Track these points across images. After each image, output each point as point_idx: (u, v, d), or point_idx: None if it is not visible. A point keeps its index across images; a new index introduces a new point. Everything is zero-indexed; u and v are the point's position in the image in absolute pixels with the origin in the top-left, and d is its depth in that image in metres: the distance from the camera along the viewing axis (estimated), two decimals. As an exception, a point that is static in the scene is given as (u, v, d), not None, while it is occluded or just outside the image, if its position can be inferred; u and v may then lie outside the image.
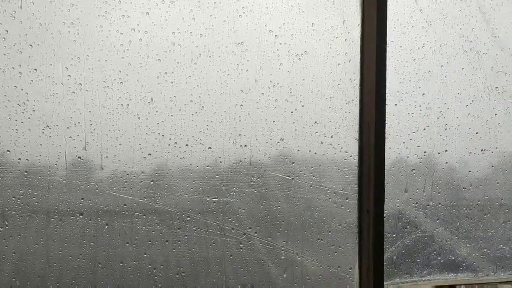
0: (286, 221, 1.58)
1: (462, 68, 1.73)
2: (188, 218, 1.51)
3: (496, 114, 1.76)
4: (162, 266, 1.50)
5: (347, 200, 1.62)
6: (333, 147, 1.61)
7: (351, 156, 1.61)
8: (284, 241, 1.58)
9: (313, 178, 1.60)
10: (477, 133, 1.74)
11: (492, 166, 1.78)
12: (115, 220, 1.46)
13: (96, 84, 1.44)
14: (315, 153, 1.59)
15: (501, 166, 1.79)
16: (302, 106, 1.58)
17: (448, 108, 1.72)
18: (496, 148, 1.77)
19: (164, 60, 1.48)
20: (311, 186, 1.60)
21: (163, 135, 1.49)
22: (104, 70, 1.44)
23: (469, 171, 1.75)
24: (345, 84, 1.61)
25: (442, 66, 1.72)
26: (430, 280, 1.73)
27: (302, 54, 1.58)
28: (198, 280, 1.53)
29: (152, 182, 1.48)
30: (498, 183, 1.78)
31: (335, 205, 1.61)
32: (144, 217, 1.48)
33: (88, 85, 1.43)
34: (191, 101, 1.50)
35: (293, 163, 1.58)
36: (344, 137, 1.61)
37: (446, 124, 1.73)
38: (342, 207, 1.62)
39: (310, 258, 1.60)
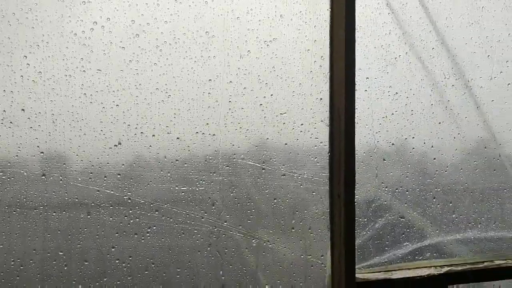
0: (257, 208, 1.57)
1: (420, 57, 1.74)
2: (157, 209, 1.48)
3: (450, 101, 1.78)
4: (130, 258, 1.47)
5: (318, 187, 1.61)
6: (304, 134, 1.60)
7: (321, 142, 1.60)
8: (255, 229, 1.57)
9: (284, 165, 1.59)
10: (440, 123, 1.76)
11: (456, 150, 1.81)
12: (80, 212, 1.42)
13: (57, 73, 1.39)
14: (286, 144, 1.58)
15: (464, 152, 1.82)
16: (271, 95, 1.56)
17: (413, 94, 1.74)
18: (458, 134, 1.79)
19: (128, 47, 1.43)
20: (282, 173, 1.59)
21: (129, 125, 1.45)
22: (65, 58, 1.39)
23: (434, 159, 1.77)
24: (314, 70, 1.60)
25: (406, 53, 1.73)
26: (399, 264, 1.74)
27: (270, 40, 1.56)
28: (168, 271, 1.51)
29: (119, 173, 1.44)
30: (461, 169, 1.81)
31: (306, 191, 1.61)
32: (111, 208, 1.44)
33: (49, 74, 1.38)
34: (157, 89, 1.46)
35: (263, 151, 1.56)
36: (314, 123, 1.60)
37: (412, 110, 1.74)
38: (314, 193, 1.61)
39: (282, 245, 1.60)
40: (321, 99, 1.60)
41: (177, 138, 1.48)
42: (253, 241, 1.56)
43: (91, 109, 1.41)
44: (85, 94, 1.40)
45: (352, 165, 1.54)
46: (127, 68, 1.43)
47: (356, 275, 1.61)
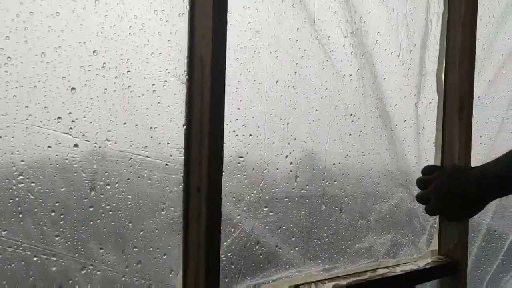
0: (64, 207, 0.97)
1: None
2: None
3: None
4: None
5: (168, 175, 1.07)
6: (151, 95, 1.06)
7: (177, 103, 1.07)
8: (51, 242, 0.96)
9: (117, 144, 1.02)
10: (287, 123, 1.33)
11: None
12: None
13: None
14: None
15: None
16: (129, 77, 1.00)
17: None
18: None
19: None
20: (114, 156, 1.02)
21: None
22: None
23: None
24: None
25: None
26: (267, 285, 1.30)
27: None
28: None
29: None
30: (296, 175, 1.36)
31: (149, 183, 1.06)
32: None
33: None
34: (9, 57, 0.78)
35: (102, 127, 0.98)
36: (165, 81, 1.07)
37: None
38: (160, 184, 1.06)
39: (105, 266, 1.01)
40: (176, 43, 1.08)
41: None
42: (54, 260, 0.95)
43: None
44: None
45: (220, 140, 1.04)
46: None
47: (219, 303, 1.11)
